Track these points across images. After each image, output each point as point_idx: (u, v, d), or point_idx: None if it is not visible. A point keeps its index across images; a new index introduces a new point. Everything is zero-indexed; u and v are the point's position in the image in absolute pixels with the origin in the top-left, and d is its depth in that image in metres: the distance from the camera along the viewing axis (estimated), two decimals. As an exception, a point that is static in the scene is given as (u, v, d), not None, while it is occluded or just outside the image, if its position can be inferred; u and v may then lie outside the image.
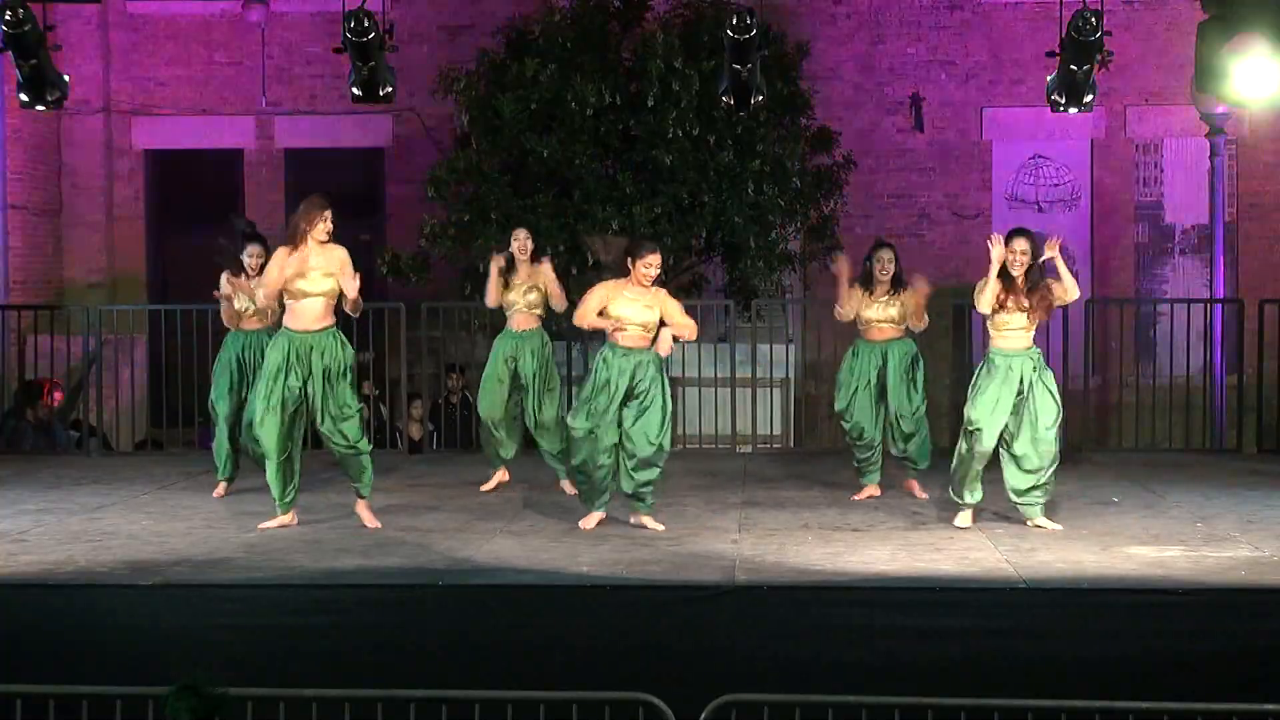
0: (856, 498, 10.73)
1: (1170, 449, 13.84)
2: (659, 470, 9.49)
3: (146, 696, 5.84)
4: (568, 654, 7.07)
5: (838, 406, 10.79)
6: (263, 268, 10.23)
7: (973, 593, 7.84)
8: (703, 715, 5.71)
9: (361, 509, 9.62)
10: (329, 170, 18.26)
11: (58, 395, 15.19)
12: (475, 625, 7.49)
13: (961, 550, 8.81)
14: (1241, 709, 5.74)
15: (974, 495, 9.64)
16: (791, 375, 15.67)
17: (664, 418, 9.41)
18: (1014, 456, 9.49)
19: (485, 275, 14.56)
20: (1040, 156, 17.99)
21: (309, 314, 9.32)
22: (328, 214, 9.33)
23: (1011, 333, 9.45)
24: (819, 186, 15.77)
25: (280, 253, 9.34)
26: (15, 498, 10.91)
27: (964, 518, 9.62)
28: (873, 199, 17.69)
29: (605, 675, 6.63)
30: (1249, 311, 14.54)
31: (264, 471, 9.58)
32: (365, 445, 9.48)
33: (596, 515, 9.55)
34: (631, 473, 9.42)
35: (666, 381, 9.58)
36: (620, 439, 9.43)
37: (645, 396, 9.39)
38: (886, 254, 10.68)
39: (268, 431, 9.29)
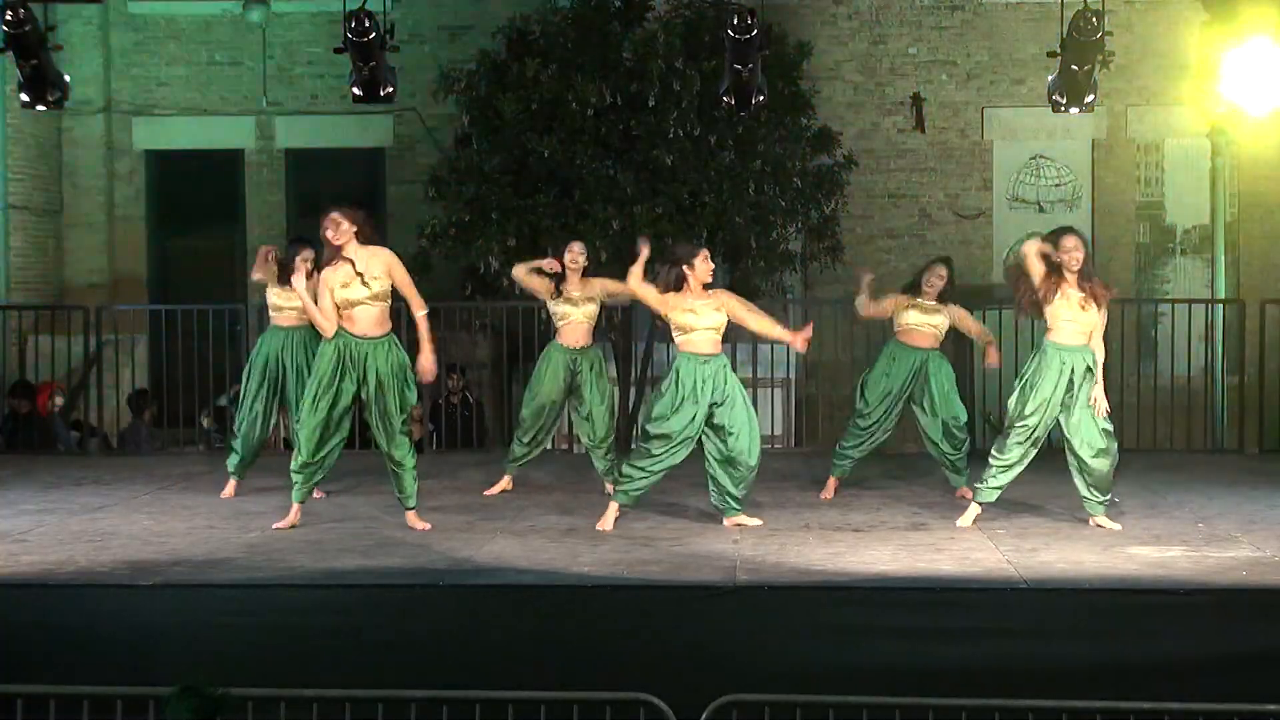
0: (825, 496, 10.77)
1: (1171, 449, 13.84)
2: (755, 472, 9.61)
3: (146, 696, 5.84)
4: (568, 654, 7.07)
5: (865, 405, 10.71)
6: (311, 272, 10.15)
7: (973, 593, 7.84)
8: (703, 715, 5.71)
9: (411, 519, 9.54)
10: (329, 170, 18.29)
11: (58, 402, 15.20)
12: (475, 625, 7.48)
13: (962, 550, 8.80)
14: (1241, 709, 5.74)
15: (990, 495, 9.62)
16: (792, 375, 15.66)
17: (753, 428, 9.48)
18: (1075, 457, 9.51)
19: (485, 275, 14.65)
20: (1041, 157, 17.99)
21: (365, 320, 9.15)
22: (332, 214, 9.11)
23: (1069, 325, 9.39)
24: (820, 187, 15.77)
25: (325, 274, 9.15)
26: (15, 498, 10.90)
27: (968, 517, 9.61)
28: (873, 199, 17.70)
29: (605, 675, 6.62)
30: (1250, 312, 14.54)
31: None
32: (410, 461, 9.36)
33: (615, 511, 9.56)
34: (733, 489, 9.53)
35: (739, 384, 9.58)
36: (716, 463, 9.53)
37: (730, 414, 9.43)
38: (941, 269, 10.65)
39: (307, 433, 9.24)
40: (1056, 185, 18.00)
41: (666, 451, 9.44)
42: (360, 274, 9.08)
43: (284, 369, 10.69)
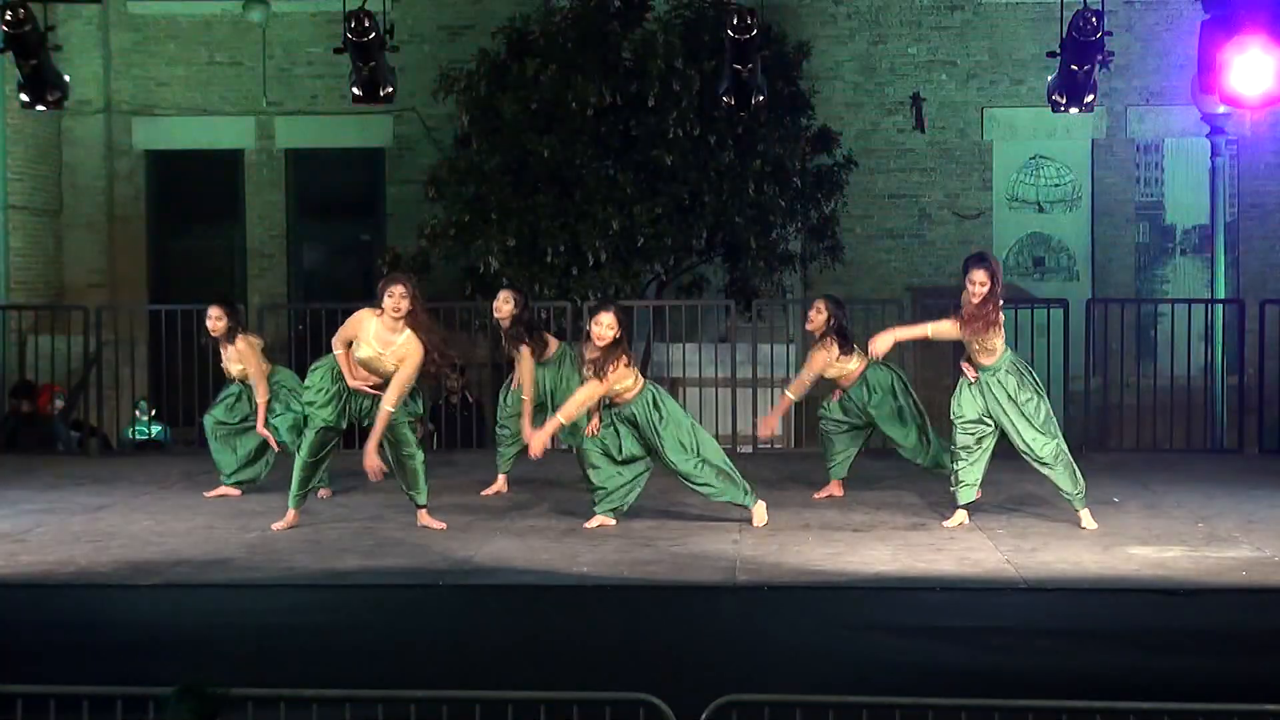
0: (817, 496, 10.81)
1: (1170, 449, 13.83)
2: (713, 471, 9.51)
3: (146, 696, 5.83)
4: (568, 654, 7.07)
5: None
6: (229, 331, 10.45)
7: (973, 593, 7.84)
8: (703, 715, 5.70)
9: (423, 518, 9.57)
10: (329, 170, 18.29)
11: (59, 405, 15.21)
12: (475, 625, 7.49)
13: (962, 550, 8.81)
14: (1241, 709, 5.73)
15: (969, 494, 9.65)
16: (792, 375, 15.66)
17: (680, 434, 9.47)
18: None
19: (485, 275, 14.64)
20: (1041, 157, 17.99)
21: (361, 373, 9.30)
22: (396, 289, 9.14)
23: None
24: (819, 186, 15.77)
25: (365, 316, 9.24)
26: (16, 498, 10.90)
27: (955, 519, 9.64)
28: (873, 199, 17.70)
29: (605, 675, 6.62)
30: (1249, 312, 14.54)
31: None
32: (419, 455, 9.44)
33: (602, 518, 9.56)
34: (699, 488, 9.58)
35: (664, 400, 9.55)
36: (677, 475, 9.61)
37: (654, 429, 9.45)
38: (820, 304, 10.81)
39: (310, 434, 9.33)
40: (1056, 185, 18.00)
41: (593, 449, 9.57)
42: (384, 352, 9.16)
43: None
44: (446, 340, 9.41)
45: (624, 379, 9.40)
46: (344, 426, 9.45)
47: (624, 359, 9.35)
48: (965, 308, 9.30)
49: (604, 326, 9.34)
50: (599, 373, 9.29)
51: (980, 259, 9.45)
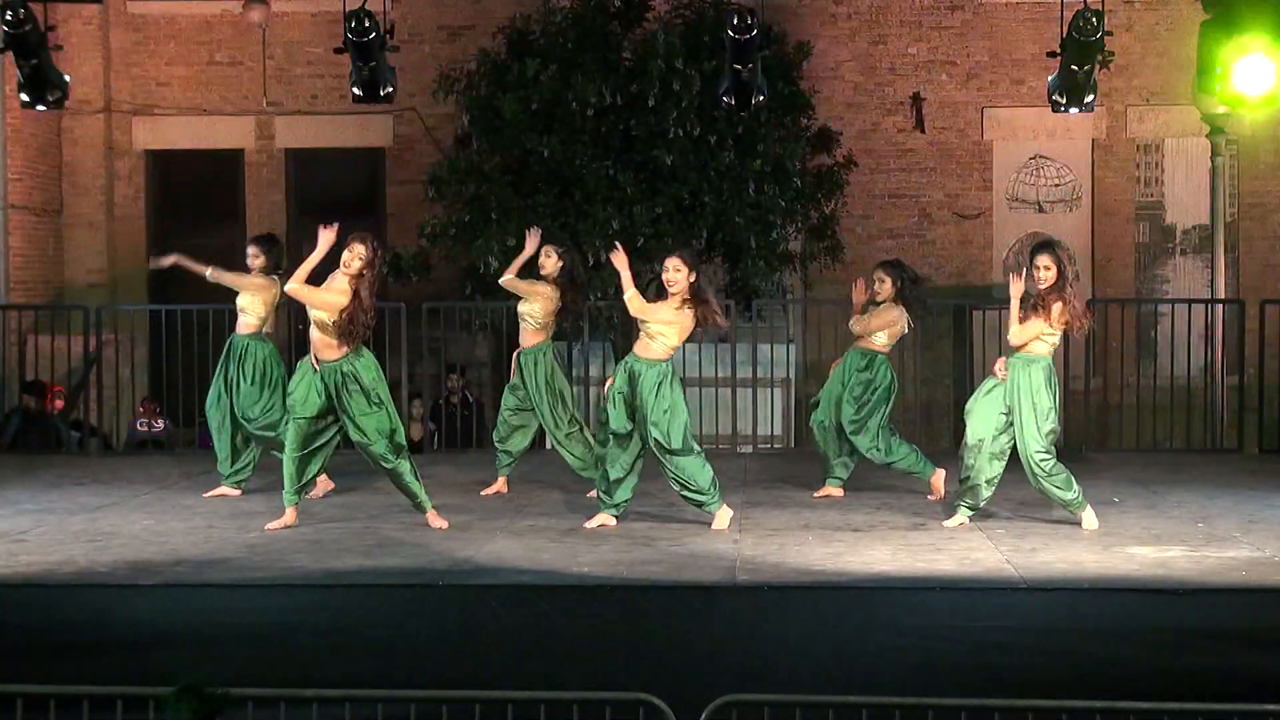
0: (817, 495, 10.80)
1: (1170, 449, 13.84)
2: (690, 462, 9.41)
3: (146, 696, 5.83)
4: (568, 654, 7.07)
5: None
6: (265, 270, 10.75)
7: (973, 593, 7.84)
8: (703, 715, 5.70)
9: (430, 519, 9.54)
10: (329, 170, 18.28)
11: (59, 404, 15.21)
12: (475, 625, 7.49)
13: (962, 550, 8.80)
14: (1241, 709, 5.73)
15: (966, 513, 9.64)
16: (791, 375, 15.67)
17: (672, 423, 9.38)
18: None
19: (485, 275, 14.65)
20: (1041, 156, 18.00)
21: (318, 343, 9.30)
22: (356, 247, 9.29)
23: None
24: (820, 186, 15.78)
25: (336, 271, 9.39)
26: (16, 498, 10.90)
27: (957, 516, 9.62)
28: (873, 199, 17.70)
29: (605, 675, 6.62)
30: (1249, 311, 14.55)
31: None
32: (402, 467, 9.38)
33: (603, 518, 9.53)
34: (675, 486, 9.51)
35: (674, 388, 9.43)
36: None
37: (647, 406, 9.36)
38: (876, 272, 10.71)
39: (291, 426, 9.39)
40: (1056, 185, 18.00)
41: (613, 447, 9.45)
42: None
43: (236, 377, 10.79)
44: (363, 325, 9.21)
45: (672, 325, 9.26)
46: (323, 409, 9.35)
47: (689, 318, 9.23)
48: (1048, 302, 9.14)
49: (671, 270, 9.23)
50: (692, 301, 9.15)
51: (1044, 245, 9.41)
